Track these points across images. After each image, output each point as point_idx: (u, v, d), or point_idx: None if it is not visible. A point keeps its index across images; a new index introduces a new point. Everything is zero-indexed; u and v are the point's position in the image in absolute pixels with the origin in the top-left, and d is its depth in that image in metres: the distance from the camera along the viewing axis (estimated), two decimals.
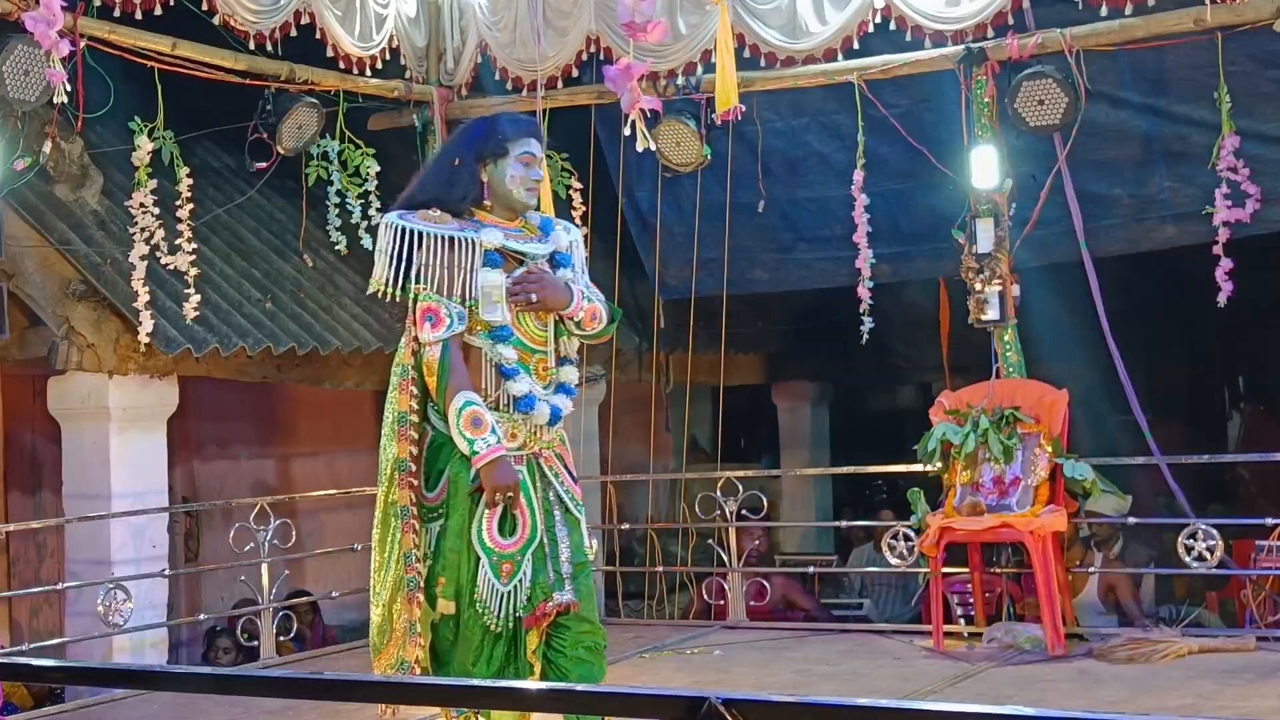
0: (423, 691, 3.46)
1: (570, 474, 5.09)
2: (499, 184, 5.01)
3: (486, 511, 4.87)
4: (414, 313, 4.92)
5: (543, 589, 4.92)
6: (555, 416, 5.01)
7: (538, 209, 5.26)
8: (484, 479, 4.82)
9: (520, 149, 5.02)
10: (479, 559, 4.86)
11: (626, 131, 4.86)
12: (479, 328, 4.93)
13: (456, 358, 4.88)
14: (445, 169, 5.07)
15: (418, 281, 4.89)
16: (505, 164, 5.01)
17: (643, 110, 4.83)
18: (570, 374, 5.12)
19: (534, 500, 4.95)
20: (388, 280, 4.91)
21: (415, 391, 4.94)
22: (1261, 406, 12.30)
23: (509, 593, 4.86)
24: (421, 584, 4.89)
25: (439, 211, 4.97)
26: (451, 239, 4.92)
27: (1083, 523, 7.99)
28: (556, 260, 5.12)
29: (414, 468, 4.92)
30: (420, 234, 4.90)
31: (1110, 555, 8.40)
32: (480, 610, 4.85)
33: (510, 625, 4.88)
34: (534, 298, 4.96)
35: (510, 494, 4.83)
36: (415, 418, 4.93)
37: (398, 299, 4.98)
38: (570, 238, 5.20)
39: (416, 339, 4.92)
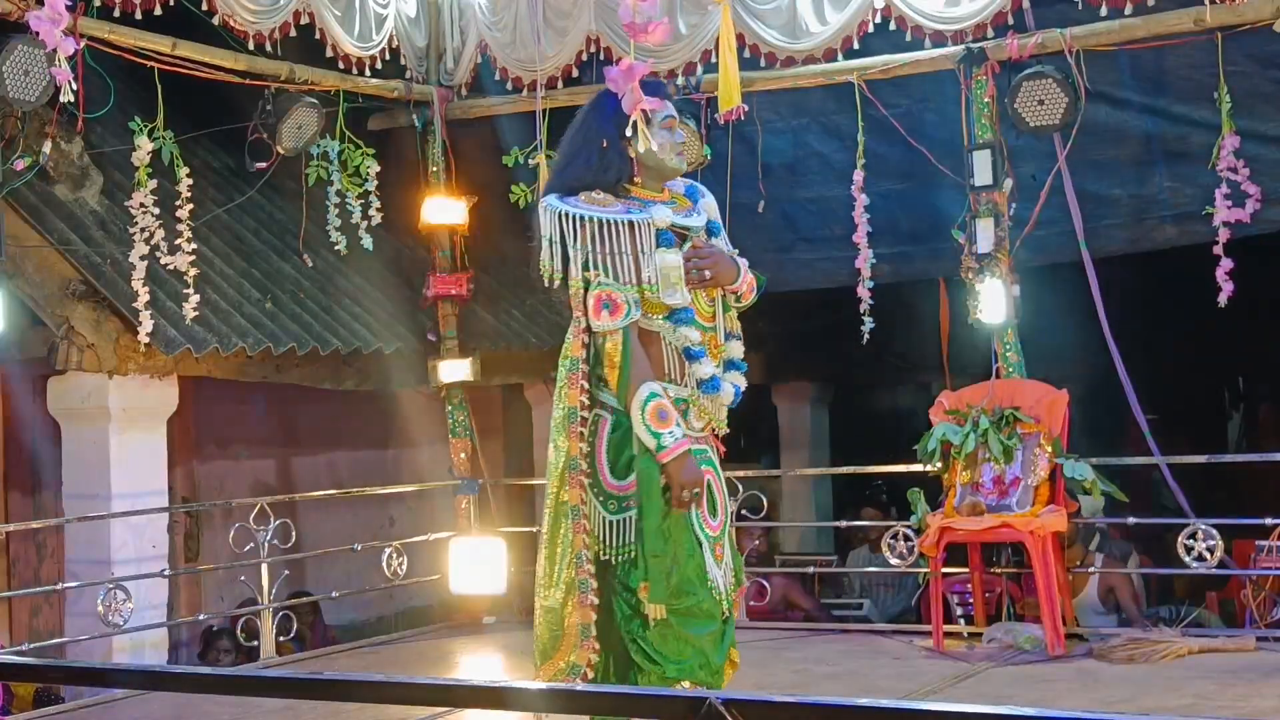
0: (423, 691, 3.46)
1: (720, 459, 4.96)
2: (649, 155, 4.80)
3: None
4: (585, 302, 4.69)
5: (739, 569, 4.85)
6: (738, 395, 4.85)
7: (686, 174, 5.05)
8: (671, 475, 4.64)
9: (662, 114, 4.83)
10: (700, 544, 4.69)
11: (629, 133, 4.80)
12: (655, 312, 4.72)
13: (638, 346, 4.68)
14: (593, 150, 4.80)
15: (591, 268, 4.67)
16: (652, 133, 4.80)
17: (644, 111, 4.78)
18: (737, 349, 4.92)
19: (721, 480, 4.82)
20: (556, 269, 4.69)
21: (586, 385, 4.73)
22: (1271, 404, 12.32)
23: (722, 574, 4.74)
24: (595, 586, 4.66)
25: (601, 194, 4.75)
26: (630, 223, 4.70)
27: (1081, 522, 7.99)
28: (709, 229, 4.93)
29: (585, 465, 4.71)
30: (597, 220, 4.69)
31: (1089, 549, 8.39)
32: (716, 596, 4.70)
33: (727, 609, 4.77)
34: (708, 274, 4.78)
35: (697, 490, 4.66)
36: (586, 412, 4.72)
37: (562, 286, 4.74)
38: (709, 202, 5.00)
39: (588, 330, 4.71)
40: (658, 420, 4.63)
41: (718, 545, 4.73)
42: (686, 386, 4.77)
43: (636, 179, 4.83)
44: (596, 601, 4.68)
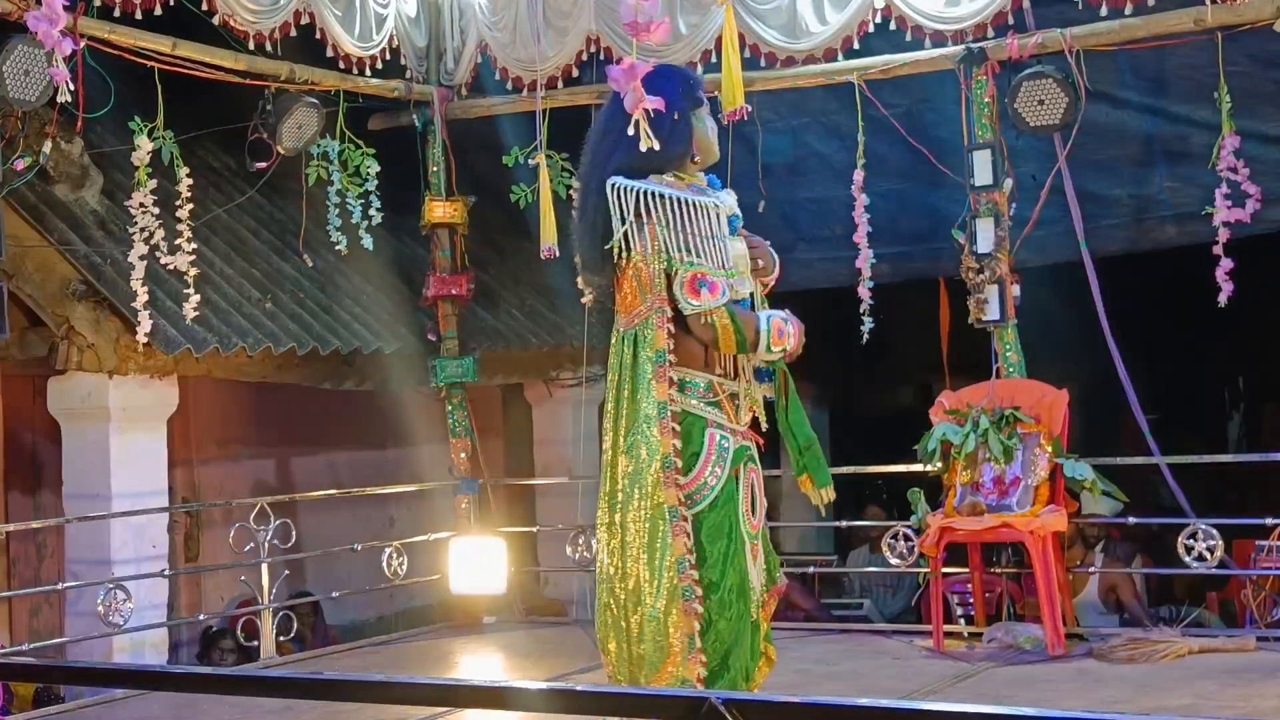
0: (423, 691, 3.46)
1: None
2: (703, 136, 4.69)
3: (740, 495, 4.62)
4: (676, 284, 4.51)
5: (775, 567, 4.80)
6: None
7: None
8: (796, 345, 4.69)
9: (706, 98, 4.76)
10: (743, 542, 4.59)
11: (630, 132, 4.77)
12: None
13: (740, 312, 4.55)
14: (664, 124, 4.59)
15: (676, 250, 4.50)
16: (704, 114, 4.70)
17: (646, 110, 4.75)
18: None
19: (761, 477, 4.75)
20: (650, 251, 4.50)
21: (674, 378, 4.55)
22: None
23: (756, 574, 4.65)
24: (699, 593, 4.48)
25: (672, 176, 4.60)
26: (716, 206, 4.55)
27: (1082, 523, 7.99)
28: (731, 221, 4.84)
29: (678, 463, 4.52)
30: (686, 202, 4.52)
31: (1092, 549, 8.39)
32: (751, 596, 4.60)
33: (756, 611, 4.67)
34: (760, 263, 4.70)
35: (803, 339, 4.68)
36: (675, 406, 4.54)
37: (626, 264, 4.58)
38: (730, 192, 4.87)
39: (674, 320, 4.54)
40: (779, 339, 4.65)
41: (754, 544, 4.67)
42: (739, 379, 4.72)
43: (696, 159, 4.70)
44: (701, 609, 4.51)
